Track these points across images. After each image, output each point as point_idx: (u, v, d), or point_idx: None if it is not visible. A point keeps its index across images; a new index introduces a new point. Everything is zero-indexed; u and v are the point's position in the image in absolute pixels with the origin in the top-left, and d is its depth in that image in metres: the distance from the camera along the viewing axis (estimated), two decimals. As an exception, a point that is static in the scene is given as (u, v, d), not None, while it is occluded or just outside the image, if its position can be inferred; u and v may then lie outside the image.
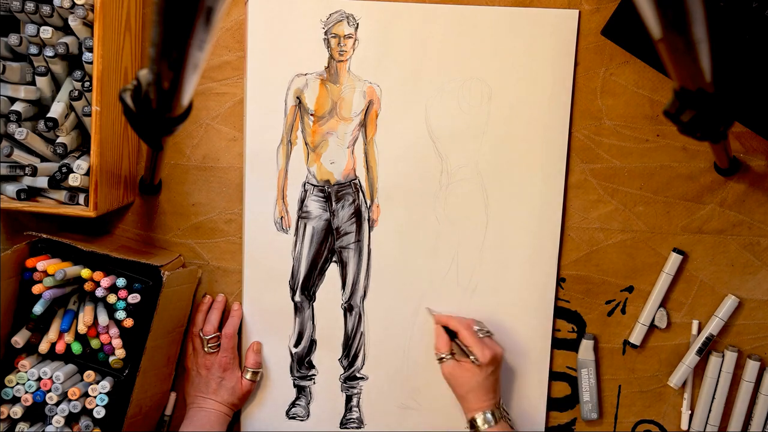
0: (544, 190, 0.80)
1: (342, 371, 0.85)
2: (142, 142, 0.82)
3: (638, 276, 0.82)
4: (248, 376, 0.83)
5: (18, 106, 0.73)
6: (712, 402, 0.82)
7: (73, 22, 0.71)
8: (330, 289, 0.84)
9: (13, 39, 0.71)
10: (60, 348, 0.73)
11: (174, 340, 0.82)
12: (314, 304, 0.84)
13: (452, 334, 0.80)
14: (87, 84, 0.73)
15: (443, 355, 0.78)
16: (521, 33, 0.78)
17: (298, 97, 0.81)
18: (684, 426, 0.83)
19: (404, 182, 0.82)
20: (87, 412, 0.74)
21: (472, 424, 0.75)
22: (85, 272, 0.72)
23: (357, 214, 0.83)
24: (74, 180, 0.73)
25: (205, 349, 0.81)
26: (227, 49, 0.81)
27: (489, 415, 0.75)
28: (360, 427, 0.86)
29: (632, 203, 0.80)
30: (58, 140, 0.74)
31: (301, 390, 0.86)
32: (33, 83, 0.75)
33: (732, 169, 0.78)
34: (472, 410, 0.76)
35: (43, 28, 0.71)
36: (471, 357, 0.76)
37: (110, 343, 0.73)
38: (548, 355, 0.83)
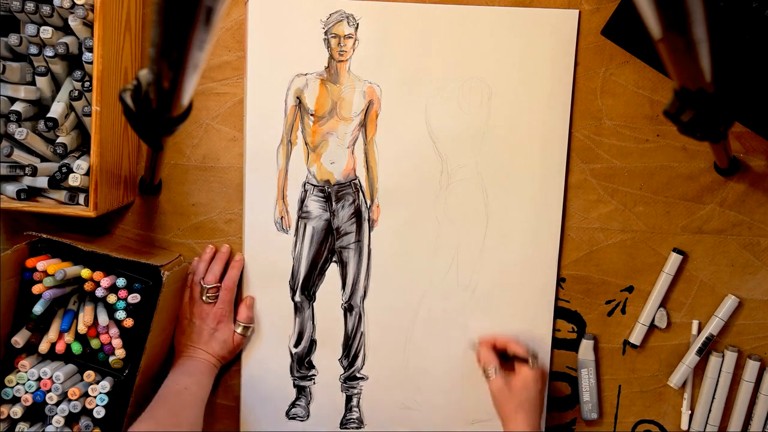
0: (544, 190, 0.80)
1: (342, 371, 0.85)
2: (142, 142, 0.82)
3: (638, 276, 0.82)
4: (239, 330, 0.82)
5: (18, 106, 0.73)
6: (712, 402, 0.82)
7: (73, 22, 0.71)
8: (330, 289, 0.84)
9: (13, 39, 0.71)
10: (60, 348, 0.73)
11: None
12: (314, 304, 0.84)
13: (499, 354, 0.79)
14: (87, 84, 0.73)
15: (491, 370, 0.77)
16: (521, 33, 0.78)
17: (298, 97, 0.81)
18: (684, 426, 0.84)
19: (404, 182, 0.82)
20: (87, 412, 0.74)
21: None
22: (85, 272, 0.72)
23: (357, 214, 0.83)
24: (74, 180, 0.73)
25: (203, 298, 0.81)
26: (227, 49, 0.81)
27: None
28: (360, 427, 0.86)
29: (632, 203, 0.81)
30: (58, 140, 0.74)
31: (301, 390, 0.86)
32: (33, 83, 0.75)
33: (732, 169, 0.78)
34: (517, 429, 0.73)
35: (43, 28, 0.71)
36: (528, 360, 0.76)
37: (110, 343, 0.73)
38: (548, 355, 0.83)
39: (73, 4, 0.71)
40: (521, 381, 0.76)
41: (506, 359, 0.79)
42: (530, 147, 0.80)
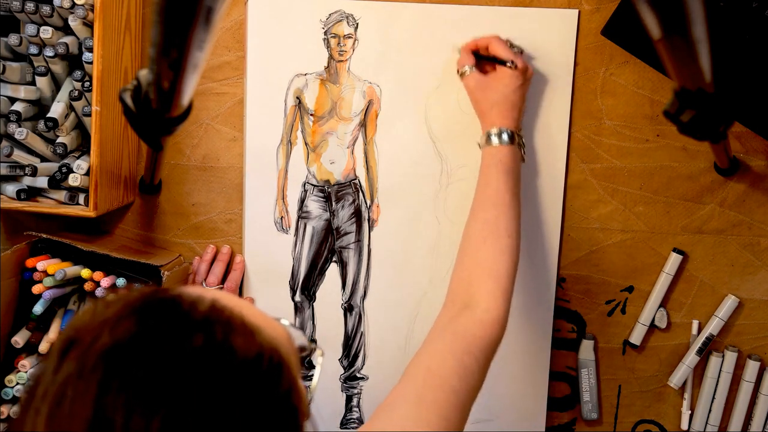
0: (544, 190, 0.80)
1: (342, 371, 0.85)
2: (142, 142, 0.82)
3: (638, 276, 0.82)
4: None
5: (18, 106, 0.73)
6: (712, 402, 0.82)
7: (73, 22, 0.71)
8: (330, 289, 0.84)
9: (13, 39, 0.71)
10: (60, 348, 0.73)
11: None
12: (314, 304, 0.84)
13: (479, 58, 0.75)
14: (87, 84, 0.73)
15: (466, 68, 0.74)
16: (521, 33, 0.78)
17: (297, 97, 0.81)
18: (684, 426, 0.83)
19: (404, 182, 0.82)
20: (87, 412, 0.74)
21: (487, 139, 0.71)
22: (85, 272, 0.72)
23: (357, 214, 0.83)
24: (74, 180, 0.73)
25: None
26: (227, 49, 0.81)
27: (506, 135, 0.70)
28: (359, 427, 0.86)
29: (632, 203, 0.80)
30: (58, 140, 0.74)
31: (301, 390, 0.86)
32: (33, 83, 0.75)
33: (732, 169, 0.78)
34: (492, 125, 0.71)
35: (43, 28, 0.71)
36: (507, 63, 0.71)
37: (110, 343, 0.73)
38: (548, 355, 0.83)
39: (73, 4, 0.71)
40: (498, 78, 0.72)
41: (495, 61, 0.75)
42: (530, 147, 0.80)
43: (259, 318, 0.39)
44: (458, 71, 0.76)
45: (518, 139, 0.72)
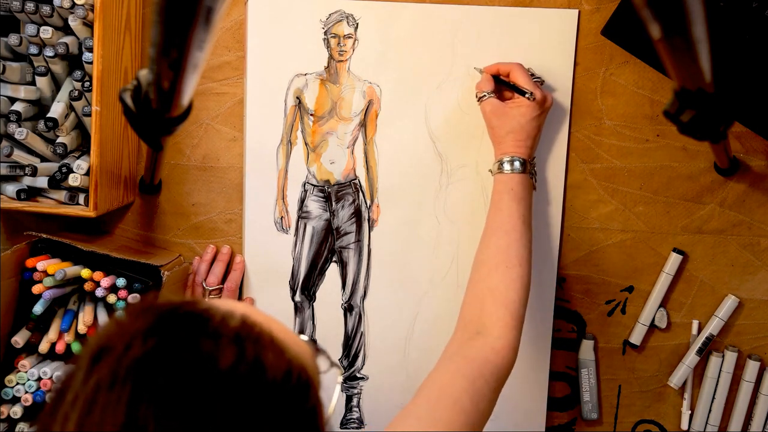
0: (544, 190, 0.80)
1: (342, 371, 0.85)
2: (142, 142, 0.82)
3: (638, 276, 0.82)
4: None
5: (18, 106, 0.73)
6: (712, 402, 0.82)
7: (73, 22, 0.71)
8: (330, 289, 0.84)
9: (13, 39, 0.71)
10: (60, 348, 0.73)
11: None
12: (314, 304, 0.84)
13: (499, 83, 0.75)
14: (87, 84, 0.73)
15: (484, 93, 0.74)
16: (521, 33, 0.78)
17: (297, 97, 0.81)
18: (684, 426, 0.83)
19: (404, 182, 0.82)
20: (87, 412, 0.74)
21: (499, 166, 0.72)
22: (85, 272, 0.72)
23: (357, 214, 0.83)
24: (74, 180, 0.73)
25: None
26: (227, 49, 0.81)
27: (518, 163, 0.71)
28: (360, 427, 0.86)
29: (632, 203, 0.80)
30: (58, 140, 0.74)
31: (301, 390, 0.86)
32: (33, 83, 0.75)
33: (732, 169, 0.78)
34: (505, 153, 0.72)
35: (43, 28, 0.71)
36: (526, 94, 0.72)
37: (110, 343, 0.73)
38: (548, 355, 0.83)
39: (73, 4, 0.71)
40: (516, 106, 0.73)
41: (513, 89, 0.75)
42: (530, 147, 0.80)
43: (286, 334, 0.39)
44: (476, 95, 0.76)
45: (530, 168, 0.73)
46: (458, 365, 0.61)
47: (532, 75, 0.76)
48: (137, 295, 0.73)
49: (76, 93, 0.73)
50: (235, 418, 0.32)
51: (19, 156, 0.72)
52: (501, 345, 0.63)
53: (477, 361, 0.61)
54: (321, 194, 0.83)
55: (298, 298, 0.84)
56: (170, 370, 0.33)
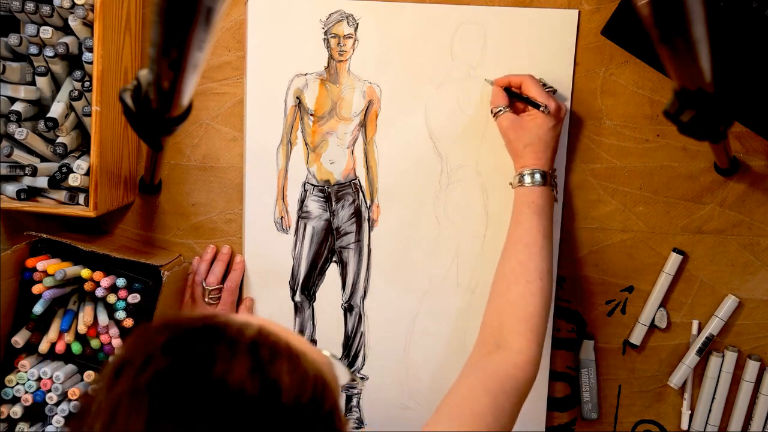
0: (544, 190, 0.80)
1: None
2: (142, 142, 0.82)
3: (638, 276, 0.82)
4: None
5: (18, 106, 0.73)
6: (712, 402, 0.82)
7: (73, 22, 0.71)
8: (330, 289, 0.84)
9: (13, 39, 0.71)
10: (60, 348, 0.73)
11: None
12: (314, 304, 0.84)
13: (512, 96, 0.75)
14: (87, 84, 0.73)
15: (500, 108, 0.74)
16: (521, 33, 0.78)
17: (297, 97, 0.81)
18: (684, 426, 0.83)
19: (404, 182, 0.82)
20: (87, 412, 0.74)
21: (520, 179, 0.72)
22: (85, 272, 0.72)
23: (357, 214, 0.83)
24: (74, 180, 0.73)
25: (206, 300, 0.81)
26: (227, 49, 0.81)
27: (538, 175, 0.71)
28: (360, 427, 0.86)
29: (632, 203, 0.80)
30: (58, 140, 0.74)
31: (301, 390, 0.86)
32: (33, 83, 0.75)
33: (732, 169, 0.78)
34: (524, 165, 0.72)
35: (43, 28, 0.71)
36: (540, 107, 0.71)
37: (110, 343, 0.73)
38: (548, 355, 0.83)
39: (73, 4, 0.71)
40: (531, 118, 0.72)
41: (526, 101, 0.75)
42: (530, 147, 0.80)
43: (303, 344, 0.40)
44: (491, 111, 0.76)
45: (551, 180, 0.73)
46: (481, 381, 0.61)
47: (544, 85, 0.76)
48: (137, 295, 0.73)
49: (76, 93, 0.73)
50: (255, 423, 0.34)
51: (19, 156, 0.72)
52: (522, 360, 0.63)
53: (499, 376, 0.61)
54: (321, 194, 0.83)
55: (298, 298, 0.84)
56: (189, 380, 0.34)
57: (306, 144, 0.82)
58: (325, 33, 0.79)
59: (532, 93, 0.73)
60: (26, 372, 0.72)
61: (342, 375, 0.44)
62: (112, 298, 0.72)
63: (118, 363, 0.36)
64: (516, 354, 0.64)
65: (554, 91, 0.77)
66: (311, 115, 0.81)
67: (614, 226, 0.81)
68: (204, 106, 0.82)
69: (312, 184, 0.82)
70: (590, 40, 0.78)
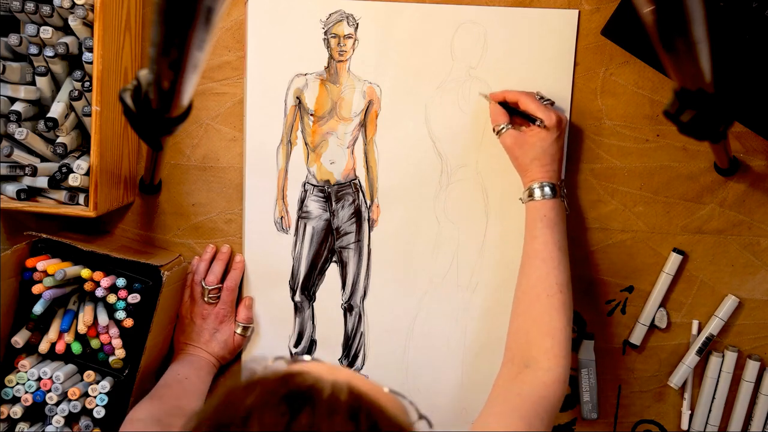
0: (544, 190, 0.80)
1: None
2: (142, 142, 0.82)
3: (638, 276, 0.82)
4: (239, 330, 0.82)
5: (18, 106, 0.73)
6: (712, 402, 0.82)
7: (73, 22, 0.71)
8: (330, 289, 0.84)
9: (13, 39, 0.71)
10: (60, 348, 0.73)
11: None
12: (314, 304, 0.84)
13: (511, 110, 0.75)
14: (87, 84, 0.73)
15: (502, 126, 0.74)
16: (521, 33, 0.78)
17: (298, 97, 0.81)
18: (684, 426, 0.83)
19: (404, 182, 0.82)
20: (87, 412, 0.74)
21: (530, 194, 0.72)
22: (85, 272, 0.72)
23: (357, 214, 0.83)
24: (74, 180, 0.73)
25: (205, 299, 0.81)
26: (227, 49, 0.81)
27: (548, 188, 0.71)
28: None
29: (632, 203, 0.80)
30: (58, 140, 0.74)
31: (301, 390, 0.86)
32: (33, 83, 0.75)
33: (732, 169, 0.78)
34: (533, 180, 0.72)
35: (43, 28, 0.71)
36: (537, 122, 0.71)
37: (110, 343, 0.73)
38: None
39: (73, 4, 0.71)
40: (534, 132, 0.72)
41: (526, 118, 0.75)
42: (530, 147, 0.80)
43: (387, 399, 0.40)
44: (494, 129, 0.76)
45: (561, 192, 0.73)
46: (514, 407, 0.61)
47: (541, 98, 0.76)
48: (137, 295, 0.73)
49: (76, 93, 0.73)
50: None
51: (19, 156, 0.72)
52: (551, 378, 0.63)
53: (532, 398, 0.61)
54: (321, 194, 0.83)
55: (298, 298, 0.84)
56: None
57: (306, 144, 0.82)
58: (325, 33, 0.79)
59: (529, 109, 0.73)
60: (26, 372, 0.72)
61: (411, 414, 0.44)
62: (112, 298, 0.72)
63: (215, 426, 0.35)
64: (545, 372, 0.64)
65: (552, 103, 0.77)
66: (311, 115, 0.81)
67: (614, 226, 0.81)
68: (204, 106, 0.82)
69: (312, 184, 0.82)
70: (590, 40, 0.78)
